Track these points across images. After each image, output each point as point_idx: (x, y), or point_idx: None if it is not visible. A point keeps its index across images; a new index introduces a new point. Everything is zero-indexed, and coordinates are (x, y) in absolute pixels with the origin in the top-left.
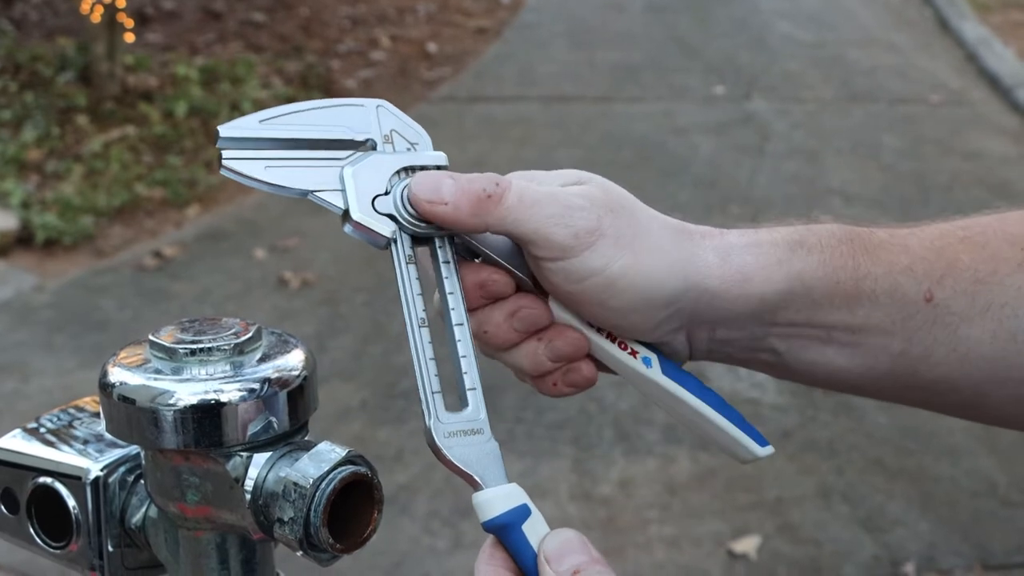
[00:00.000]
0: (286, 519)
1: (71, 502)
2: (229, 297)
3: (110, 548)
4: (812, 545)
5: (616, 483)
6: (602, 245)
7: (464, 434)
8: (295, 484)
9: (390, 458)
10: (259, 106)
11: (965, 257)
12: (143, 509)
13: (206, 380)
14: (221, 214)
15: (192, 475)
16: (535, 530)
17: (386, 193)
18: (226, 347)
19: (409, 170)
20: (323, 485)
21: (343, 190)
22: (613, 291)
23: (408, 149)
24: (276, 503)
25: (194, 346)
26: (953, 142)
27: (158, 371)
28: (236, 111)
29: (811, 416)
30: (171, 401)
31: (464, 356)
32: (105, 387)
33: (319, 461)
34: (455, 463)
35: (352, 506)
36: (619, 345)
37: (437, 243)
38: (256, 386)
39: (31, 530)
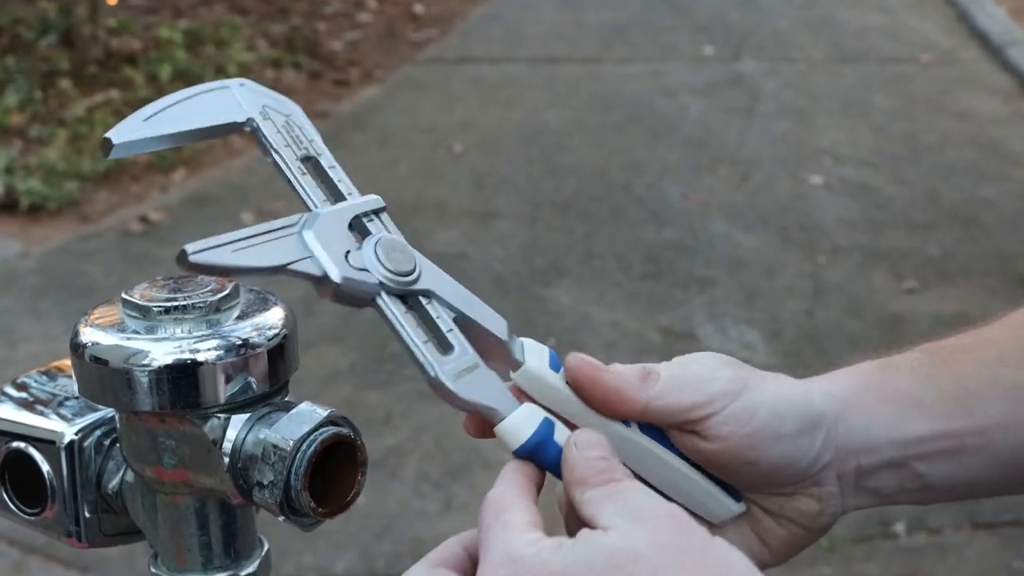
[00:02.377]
0: (266, 482)
1: (45, 467)
2: None
3: (87, 514)
4: None
5: None
6: (754, 382)
7: (465, 372)
8: (275, 446)
9: (379, 421)
10: (244, 69)
11: None
12: (120, 474)
13: (181, 339)
14: (207, 178)
15: (168, 438)
16: (565, 437)
17: (356, 250)
18: (202, 305)
19: (361, 217)
20: (304, 447)
21: (312, 256)
22: (783, 418)
23: (285, 122)
24: (255, 466)
25: (168, 304)
26: (944, 101)
27: (132, 331)
28: (221, 74)
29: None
30: (145, 361)
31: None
32: (77, 348)
33: (299, 422)
34: (474, 401)
35: (334, 469)
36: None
37: (423, 299)
38: (234, 345)
39: (4, 497)
